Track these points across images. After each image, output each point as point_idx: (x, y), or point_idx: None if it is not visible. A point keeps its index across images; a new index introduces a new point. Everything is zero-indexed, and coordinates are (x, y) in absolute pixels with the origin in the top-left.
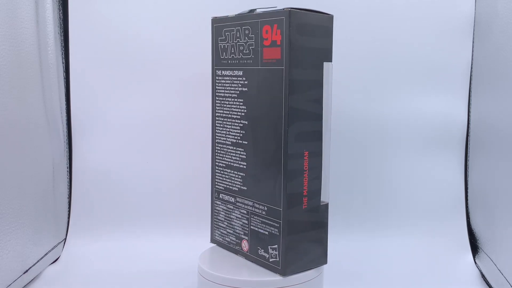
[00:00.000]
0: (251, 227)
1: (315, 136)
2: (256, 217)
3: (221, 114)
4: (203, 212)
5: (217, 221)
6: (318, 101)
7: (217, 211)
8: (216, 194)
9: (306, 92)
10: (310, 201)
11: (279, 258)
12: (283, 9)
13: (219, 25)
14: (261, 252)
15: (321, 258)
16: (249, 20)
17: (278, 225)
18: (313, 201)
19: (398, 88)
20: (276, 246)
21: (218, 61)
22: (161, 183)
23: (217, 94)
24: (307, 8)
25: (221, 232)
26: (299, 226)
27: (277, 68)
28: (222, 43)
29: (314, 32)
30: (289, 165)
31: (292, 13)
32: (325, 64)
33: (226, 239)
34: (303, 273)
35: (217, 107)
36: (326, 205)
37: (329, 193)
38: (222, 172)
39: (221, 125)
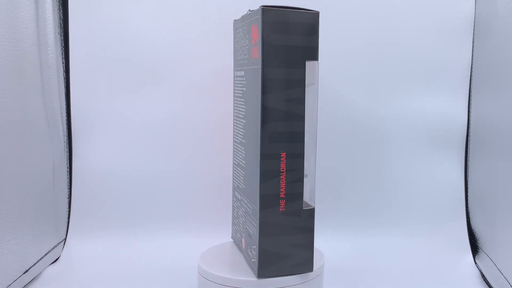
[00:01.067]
0: (246, 225)
1: (295, 137)
2: (248, 216)
3: (236, 114)
4: (203, 212)
5: (233, 218)
6: (298, 101)
7: (233, 208)
8: (233, 191)
9: (282, 92)
10: (289, 204)
11: (256, 259)
12: (260, 7)
13: (236, 27)
14: (248, 251)
15: (305, 265)
16: (246, 20)
17: (256, 226)
18: (292, 204)
19: (398, 88)
20: (255, 246)
21: (235, 62)
22: (161, 183)
23: (234, 94)
24: (291, 6)
25: (235, 228)
26: (276, 229)
27: (257, 67)
28: (236, 45)
29: (294, 30)
30: (263, 166)
31: (264, 11)
32: (308, 63)
33: (236, 235)
34: (284, 277)
35: (234, 107)
36: (311, 210)
37: (316, 197)
38: (235, 170)
39: (236, 124)
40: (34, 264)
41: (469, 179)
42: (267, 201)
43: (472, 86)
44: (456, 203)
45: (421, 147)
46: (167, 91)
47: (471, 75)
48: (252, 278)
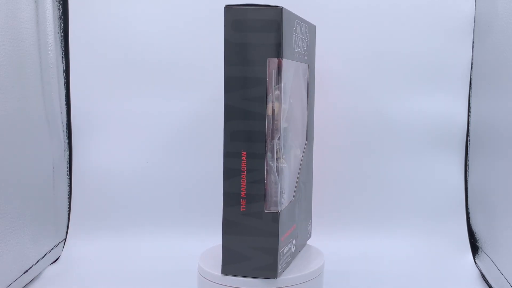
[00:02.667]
0: None
1: (255, 137)
2: None
3: None
4: (203, 212)
5: None
6: (259, 99)
7: None
8: None
9: (242, 90)
10: (250, 205)
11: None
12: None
13: None
14: None
15: (268, 271)
16: None
17: None
18: (253, 205)
19: (398, 88)
20: None
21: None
22: (161, 183)
23: None
24: (257, 3)
25: None
26: (236, 229)
27: None
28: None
29: (255, 27)
30: (225, 163)
31: (226, 10)
32: (270, 60)
33: None
34: (247, 279)
35: None
36: (275, 215)
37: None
38: None
39: None
40: (34, 264)
41: (469, 179)
42: (228, 199)
43: (472, 86)
44: (456, 203)
45: (421, 147)
46: (167, 91)
47: (471, 75)
48: (252, 278)
